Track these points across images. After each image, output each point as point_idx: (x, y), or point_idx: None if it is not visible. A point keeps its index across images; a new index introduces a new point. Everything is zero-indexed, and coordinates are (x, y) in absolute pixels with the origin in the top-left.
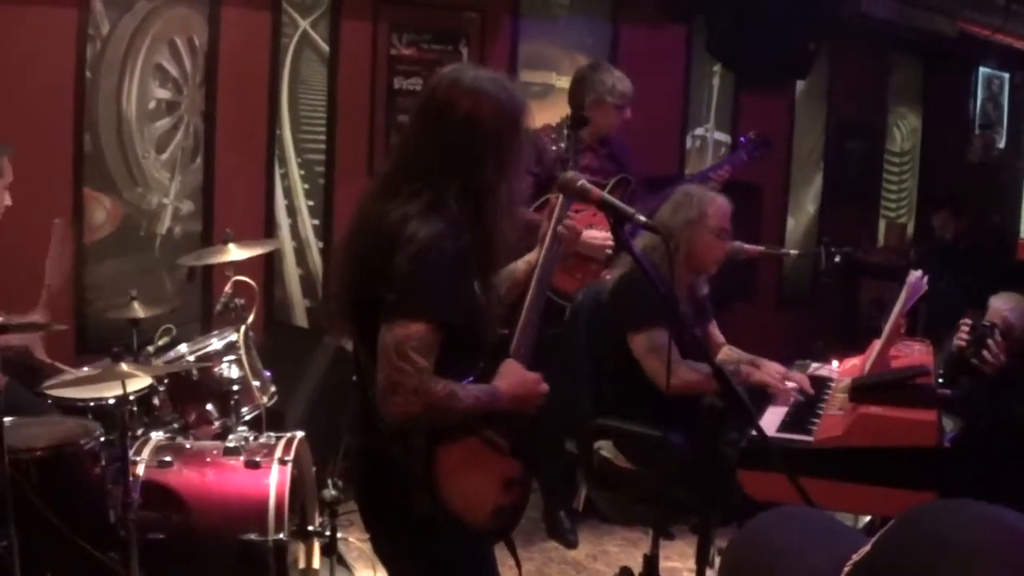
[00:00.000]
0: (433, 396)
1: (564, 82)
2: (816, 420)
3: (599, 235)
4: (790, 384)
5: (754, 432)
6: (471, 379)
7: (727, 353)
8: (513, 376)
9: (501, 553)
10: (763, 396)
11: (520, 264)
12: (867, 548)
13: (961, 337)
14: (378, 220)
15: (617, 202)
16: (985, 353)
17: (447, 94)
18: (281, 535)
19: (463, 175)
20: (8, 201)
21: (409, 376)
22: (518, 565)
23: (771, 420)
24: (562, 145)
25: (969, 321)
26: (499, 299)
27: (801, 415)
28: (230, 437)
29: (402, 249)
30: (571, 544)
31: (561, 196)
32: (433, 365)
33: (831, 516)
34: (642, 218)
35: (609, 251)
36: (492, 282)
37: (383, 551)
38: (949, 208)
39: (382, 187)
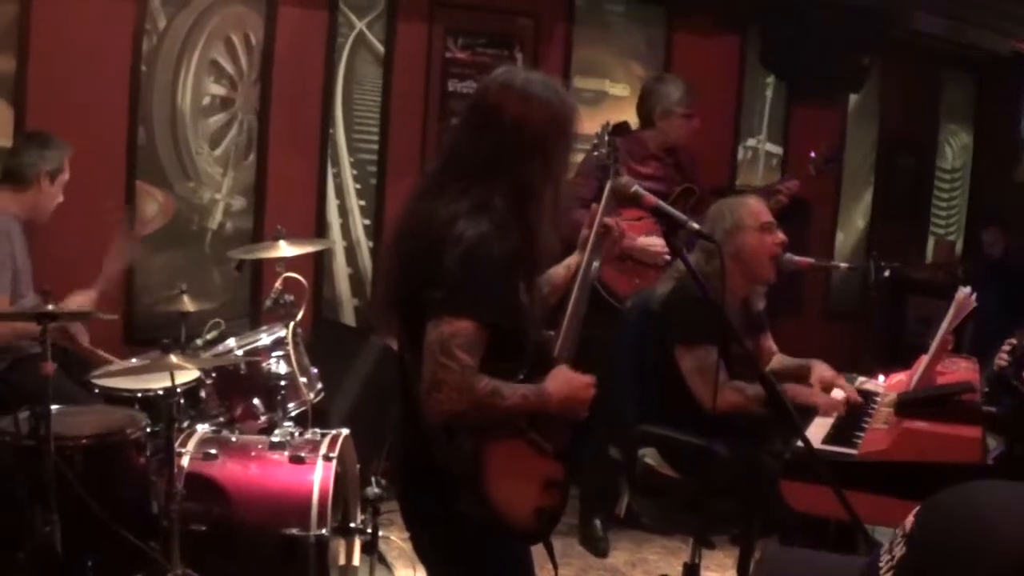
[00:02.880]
0: (477, 393)
1: (618, 89)
2: (861, 434)
3: (658, 242)
4: (837, 394)
5: (800, 443)
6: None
7: (779, 360)
8: (562, 378)
9: (539, 556)
10: (808, 409)
11: (561, 268)
12: (901, 550)
13: (1002, 357)
14: (426, 219)
15: (670, 209)
16: None
17: (498, 95)
18: (323, 531)
19: (510, 175)
20: (60, 198)
21: (453, 373)
22: (555, 568)
23: (816, 432)
24: (603, 151)
25: (1013, 341)
26: (543, 301)
27: (846, 428)
28: (275, 432)
29: (450, 249)
30: (601, 552)
31: (602, 201)
32: (478, 363)
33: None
34: (695, 226)
35: (668, 258)
36: (537, 283)
37: (423, 550)
38: (999, 225)
39: (430, 185)
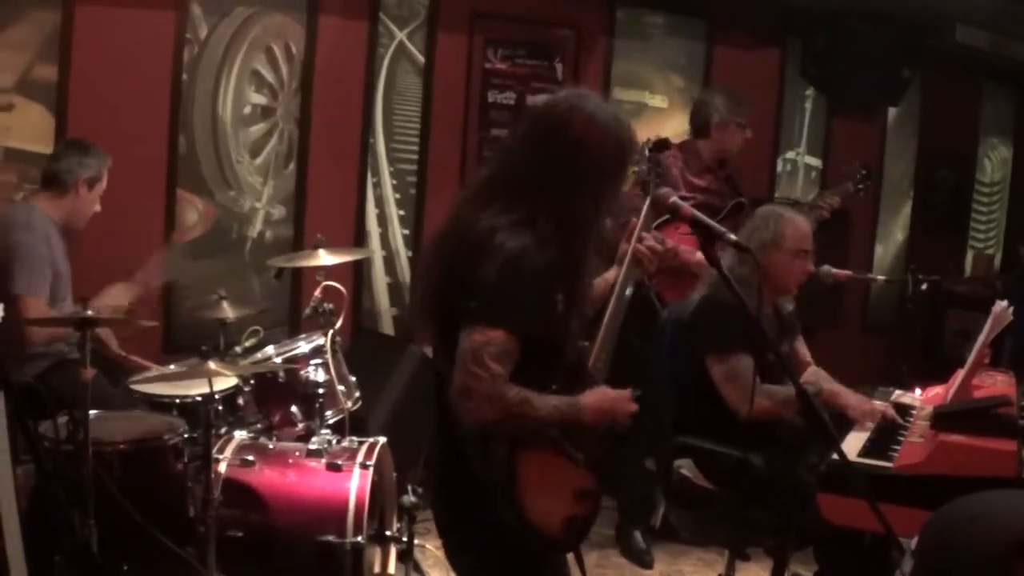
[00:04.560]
0: (507, 402)
1: (657, 101)
2: (897, 447)
3: None
4: (877, 404)
5: (835, 456)
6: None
7: (813, 374)
8: (600, 392)
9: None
10: (845, 421)
11: (600, 281)
12: (909, 565)
13: None
14: (468, 227)
15: (707, 220)
16: None
17: (565, 116)
18: (359, 538)
19: (559, 198)
20: (97, 207)
21: (483, 382)
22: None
23: (852, 445)
24: (644, 167)
25: None
26: (583, 317)
27: (883, 441)
28: (313, 439)
29: (489, 258)
30: (646, 564)
31: (642, 216)
32: (509, 373)
33: None
34: (732, 237)
35: None
36: (578, 301)
37: (456, 557)
38: None
39: (478, 194)
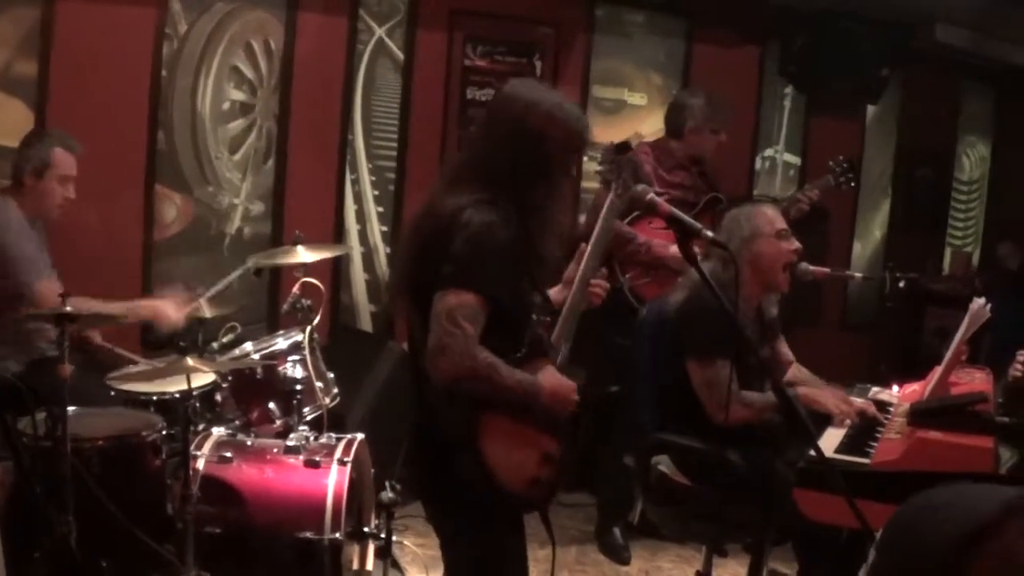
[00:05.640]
0: (477, 361)
1: (636, 99)
2: (874, 444)
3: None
4: (858, 402)
5: (813, 452)
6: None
7: (795, 372)
8: (553, 377)
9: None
10: (822, 418)
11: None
12: (872, 557)
13: (1017, 368)
14: (439, 208)
15: (685, 217)
16: None
17: (524, 110)
18: (337, 535)
19: (519, 186)
20: (70, 194)
21: (457, 339)
22: (552, 541)
23: (829, 442)
24: (605, 167)
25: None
26: (544, 296)
27: (860, 438)
28: (291, 436)
29: (459, 232)
30: (624, 560)
31: (601, 216)
32: (479, 335)
33: None
34: (709, 234)
35: None
36: (537, 281)
37: (434, 519)
38: (1015, 239)
39: (448, 180)
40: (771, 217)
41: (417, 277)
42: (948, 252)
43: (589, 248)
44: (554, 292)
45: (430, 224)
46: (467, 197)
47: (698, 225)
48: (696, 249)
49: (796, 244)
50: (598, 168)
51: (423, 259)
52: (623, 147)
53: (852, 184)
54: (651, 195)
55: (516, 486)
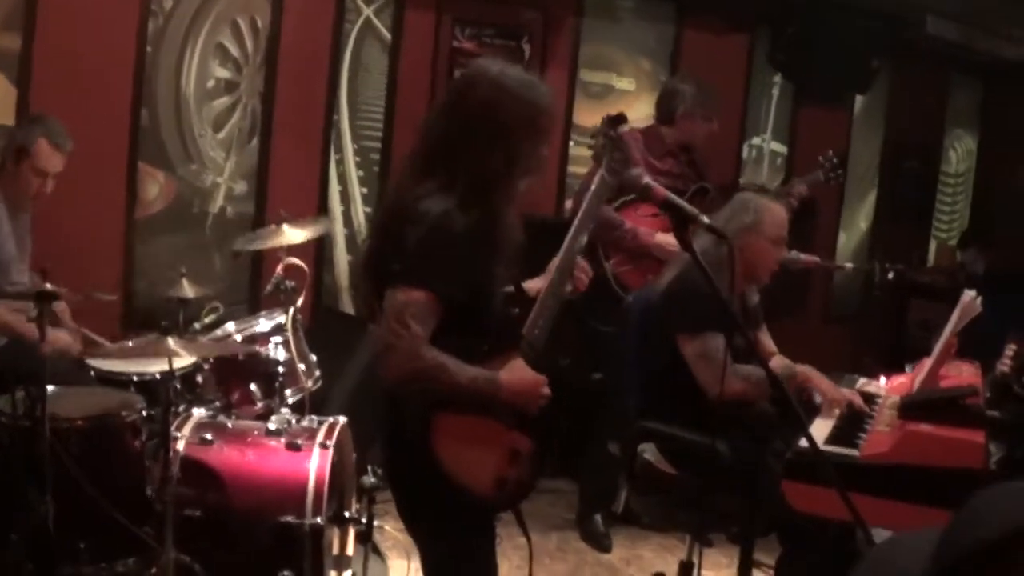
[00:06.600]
0: (423, 362)
1: (624, 83)
2: (863, 435)
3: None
4: (846, 391)
5: (804, 443)
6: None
7: (778, 362)
8: (518, 371)
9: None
10: (809, 409)
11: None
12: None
13: (1004, 363)
14: (398, 198)
15: (681, 202)
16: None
17: (470, 83)
18: (318, 519)
19: (474, 161)
20: (46, 189)
21: (403, 340)
22: (528, 540)
23: (817, 433)
24: (599, 141)
25: (1013, 347)
26: (507, 282)
27: (848, 429)
28: (272, 418)
29: (414, 224)
30: (605, 548)
31: (591, 191)
32: (429, 334)
33: None
34: (706, 220)
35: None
36: (501, 263)
37: (399, 513)
38: (977, 245)
39: (407, 167)
40: (779, 221)
41: (379, 270)
42: (933, 245)
43: (574, 227)
44: (536, 281)
45: (389, 214)
46: (426, 185)
47: (694, 210)
48: None
49: (785, 256)
50: (589, 141)
51: (384, 250)
52: (617, 120)
53: (841, 180)
54: (647, 179)
55: (480, 487)
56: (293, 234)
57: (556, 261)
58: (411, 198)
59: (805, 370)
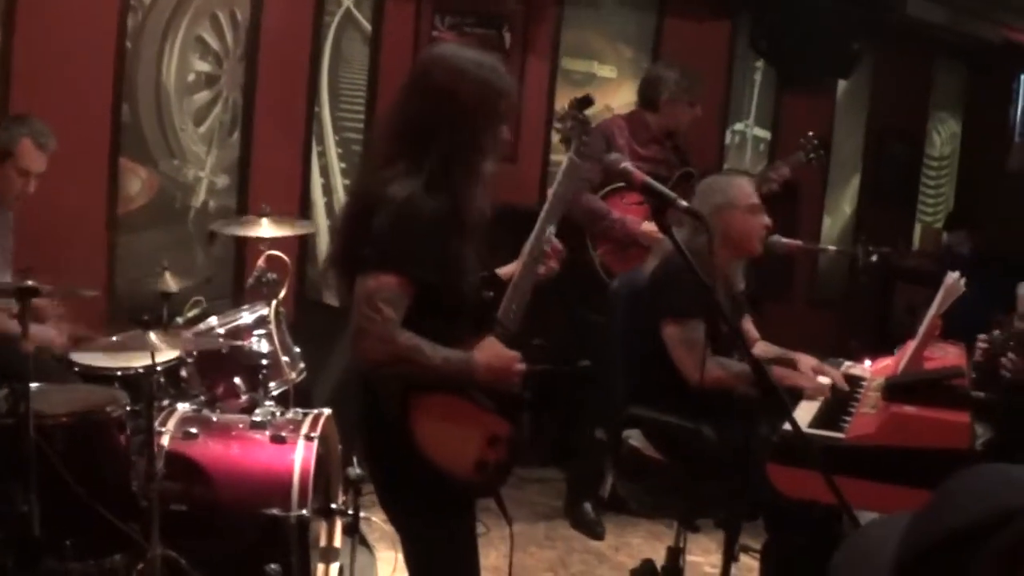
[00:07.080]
0: (397, 346)
1: (606, 71)
2: (848, 418)
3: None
4: (823, 379)
5: (788, 426)
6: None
7: (762, 348)
8: (491, 349)
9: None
10: (795, 393)
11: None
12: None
13: (979, 346)
14: (364, 185)
15: (659, 187)
16: (1004, 360)
17: (429, 67)
18: (304, 511)
19: (437, 143)
20: (29, 189)
21: (376, 324)
22: (509, 522)
23: (802, 416)
24: (567, 125)
25: (985, 337)
26: (478, 263)
27: (833, 412)
28: (257, 411)
29: (381, 209)
30: (598, 535)
31: (560, 173)
32: (401, 318)
33: None
34: (683, 203)
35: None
36: (469, 245)
37: (380, 500)
38: (967, 227)
39: (372, 155)
40: (745, 190)
41: (349, 257)
42: (918, 228)
43: (544, 209)
44: (510, 267)
45: (358, 201)
46: (393, 169)
47: (672, 194)
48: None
49: (767, 220)
50: (556, 125)
51: (352, 238)
52: (584, 102)
53: (823, 160)
54: (625, 164)
55: (460, 471)
56: (273, 228)
57: (528, 244)
58: (378, 183)
59: (781, 371)
